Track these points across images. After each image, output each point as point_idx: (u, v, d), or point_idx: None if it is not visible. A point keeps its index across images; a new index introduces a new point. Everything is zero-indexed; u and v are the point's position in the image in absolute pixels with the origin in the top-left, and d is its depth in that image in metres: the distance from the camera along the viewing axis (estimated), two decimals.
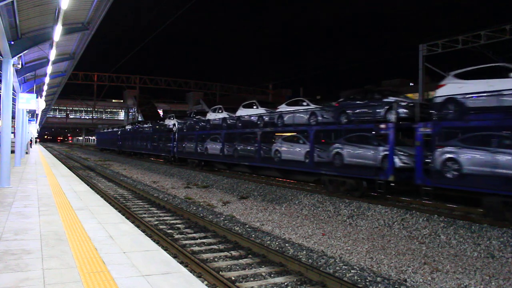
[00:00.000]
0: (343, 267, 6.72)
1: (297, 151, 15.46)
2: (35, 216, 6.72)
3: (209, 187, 17.17)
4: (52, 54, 14.18)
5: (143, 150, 34.37)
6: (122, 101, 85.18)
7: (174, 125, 28.37)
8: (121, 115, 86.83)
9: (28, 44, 12.04)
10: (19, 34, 11.67)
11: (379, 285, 5.92)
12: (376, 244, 8.35)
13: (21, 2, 9.96)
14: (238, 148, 19.48)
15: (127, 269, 4.14)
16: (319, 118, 14.99)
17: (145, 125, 36.93)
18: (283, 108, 17.83)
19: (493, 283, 6.17)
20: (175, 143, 27.04)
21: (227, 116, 22.11)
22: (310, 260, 7.04)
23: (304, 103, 16.65)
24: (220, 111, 23.64)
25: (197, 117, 26.95)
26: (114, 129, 50.15)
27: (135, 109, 76.65)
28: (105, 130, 58.07)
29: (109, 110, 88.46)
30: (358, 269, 6.63)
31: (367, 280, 6.08)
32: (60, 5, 8.90)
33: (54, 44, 12.59)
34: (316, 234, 9.09)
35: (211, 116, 24.39)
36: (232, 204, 13.04)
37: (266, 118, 18.17)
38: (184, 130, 26.64)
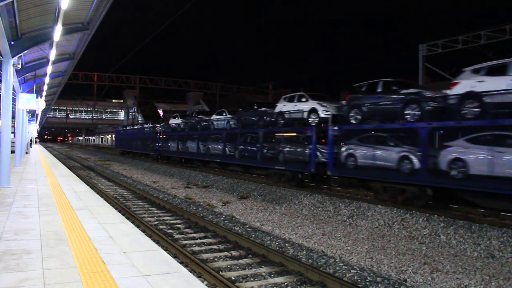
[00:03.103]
0: (343, 267, 6.71)
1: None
2: (35, 216, 6.71)
3: (209, 187, 17.17)
4: (52, 54, 14.18)
5: (216, 156, 22.04)
6: (122, 101, 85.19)
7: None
8: (121, 115, 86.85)
9: (28, 44, 12.04)
10: (19, 34, 11.67)
11: (379, 285, 5.92)
12: (376, 244, 8.35)
13: (21, 2, 9.95)
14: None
15: (127, 269, 4.14)
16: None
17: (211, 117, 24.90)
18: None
19: (493, 283, 6.16)
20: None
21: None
22: (310, 260, 7.04)
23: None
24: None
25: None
26: (146, 126, 37.78)
27: (135, 109, 76.64)
28: (129, 128, 46.41)
29: (109, 110, 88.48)
30: (358, 269, 6.63)
31: (367, 280, 6.08)
32: (60, 5, 8.89)
33: (54, 44, 12.59)
34: (316, 234, 9.09)
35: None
36: (232, 204, 13.04)
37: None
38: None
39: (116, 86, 70.11)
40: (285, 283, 5.88)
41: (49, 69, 17.33)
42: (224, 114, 22.76)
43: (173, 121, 30.33)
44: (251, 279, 6.05)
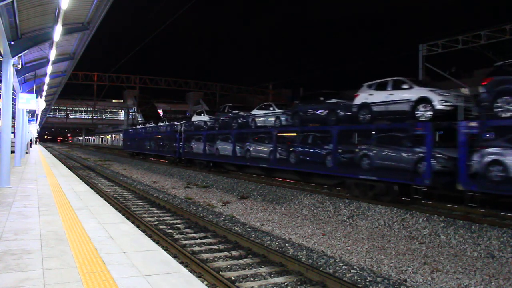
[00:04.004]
0: (343, 267, 6.71)
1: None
2: (35, 216, 6.71)
3: (209, 187, 17.17)
4: (52, 54, 14.19)
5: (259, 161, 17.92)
6: (122, 101, 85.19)
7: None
8: (121, 115, 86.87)
9: (28, 44, 12.04)
10: (19, 34, 11.67)
11: (379, 285, 5.92)
12: (376, 244, 8.35)
13: (21, 2, 9.95)
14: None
15: (127, 269, 4.14)
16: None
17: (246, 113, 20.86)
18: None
19: (493, 283, 6.16)
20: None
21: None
22: (310, 260, 7.04)
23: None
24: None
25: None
26: (162, 124, 33.35)
27: (135, 109, 76.65)
28: (140, 127, 40.71)
29: (109, 110, 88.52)
30: (358, 269, 6.63)
31: (367, 280, 6.08)
32: (60, 5, 8.90)
33: (54, 44, 12.60)
34: (316, 234, 9.09)
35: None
36: (232, 204, 13.04)
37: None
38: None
39: (116, 86, 70.03)
40: (285, 283, 5.88)
41: (49, 69, 17.34)
42: (271, 108, 18.46)
43: (197, 118, 25.59)
44: (251, 279, 6.05)
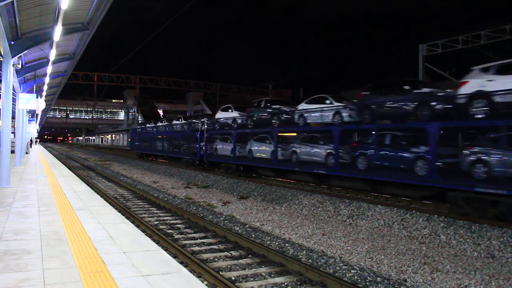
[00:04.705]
0: (343, 267, 6.71)
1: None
2: (35, 216, 6.71)
3: (209, 187, 17.17)
4: (52, 54, 14.19)
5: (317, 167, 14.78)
6: (122, 101, 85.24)
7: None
8: (121, 115, 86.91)
9: (28, 44, 12.05)
10: (19, 34, 11.67)
11: (379, 285, 5.92)
12: (376, 244, 8.34)
13: (21, 2, 9.95)
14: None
15: (127, 269, 4.14)
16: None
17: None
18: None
19: (493, 283, 6.16)
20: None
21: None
22: (310, 260, 7.04)
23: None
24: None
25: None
26: (177, 122, 29.29)
27: (135, 109, 76.67)
28: (150, 125, 36.47)
29: (109, 110, 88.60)
30: (358, 269, 6.63)
31: (367, 280, 6.08)
32: (60, 5, 8.90)
33: (54, 44, 12.60)
34: (316, 234, 9.09)
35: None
36: (232, 204, 13.04)
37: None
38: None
39: (116, 86, 70.12)
40: (285, 283, 5.88)
41: (49, 69, 17.35)
42: (327, 102, 15.10)
43: (223, 115, 21.91)
44: (251, 279, 6.05)
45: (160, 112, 78.37)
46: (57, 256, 4.51)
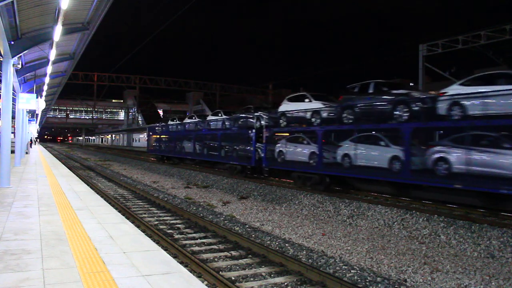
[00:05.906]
0: (343, 267, 6.71)
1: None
2: (35, 216, 6.71)
3: (209, 187, 17.17)
4: (52, 54, 14.19)
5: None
6: (122, 101, 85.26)
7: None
8: (121, 115, 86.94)
9: (28, 44, 12.05)
10: (19, 34, 11.67)
11: (379, 285, 5.92)
12: (376, 244, 8.34)
13: (21, 2, 9.96)
14: None
15: (127, 269, 4.14)
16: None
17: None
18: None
19: (493, 283, 6.16)
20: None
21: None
22: (310, 260, 7.04)
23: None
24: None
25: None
26: (216, 118, 23.34)
27: (135, 109, 76.68)
28: (175, 122, 29.75)
29: (109, 110, 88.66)
30: (358, 269, 6.63)
31: (367, 280, 6.08)
32: (60, 5, 8.90)
33: (54, 44, 12.60)
34: (316, 234, 9.09)
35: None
36: (232, 204, 13.04)
37: None
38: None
39: (116, 86, 70.20)
40: (285, 283, 5.88)
41: (49, 69, 17.35)
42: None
43: (293, 106, 16.26)
44: (251, 279, 6.05)
45: (160, 112, 78.42)
46: (57, 256, 4.51)
